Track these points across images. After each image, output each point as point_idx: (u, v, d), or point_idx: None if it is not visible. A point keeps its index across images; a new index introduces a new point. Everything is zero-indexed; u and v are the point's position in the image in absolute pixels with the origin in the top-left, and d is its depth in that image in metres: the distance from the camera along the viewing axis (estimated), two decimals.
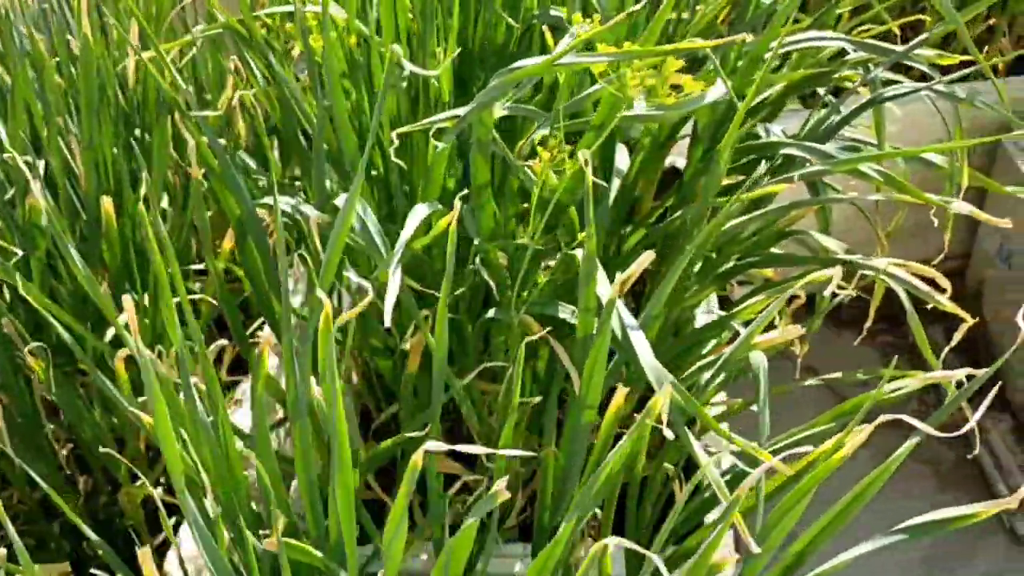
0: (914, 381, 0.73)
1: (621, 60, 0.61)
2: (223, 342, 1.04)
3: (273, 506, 0.69)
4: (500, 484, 0.50)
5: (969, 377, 0.73)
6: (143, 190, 1.15)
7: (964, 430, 0.59)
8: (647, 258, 0.72)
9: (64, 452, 1.15)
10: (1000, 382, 0.66)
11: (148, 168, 1.03)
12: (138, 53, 0.75)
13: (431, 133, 0.75)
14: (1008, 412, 1.62)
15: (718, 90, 0.74)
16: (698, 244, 0.80)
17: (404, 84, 0.96)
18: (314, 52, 0.87)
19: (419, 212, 0.73)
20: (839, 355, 1.63)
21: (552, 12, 0.96)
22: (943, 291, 0.92)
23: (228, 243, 1.12)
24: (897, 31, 1.13)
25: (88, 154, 1.04)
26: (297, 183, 1.11)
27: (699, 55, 1.05)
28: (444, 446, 0.52)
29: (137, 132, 1.17)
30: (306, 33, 0.86)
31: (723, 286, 1.01)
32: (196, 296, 1.06)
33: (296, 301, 1.24)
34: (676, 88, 0.68)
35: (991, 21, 1.62)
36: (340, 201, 0.79)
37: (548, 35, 0.76)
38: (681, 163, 1.31)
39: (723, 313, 0.84)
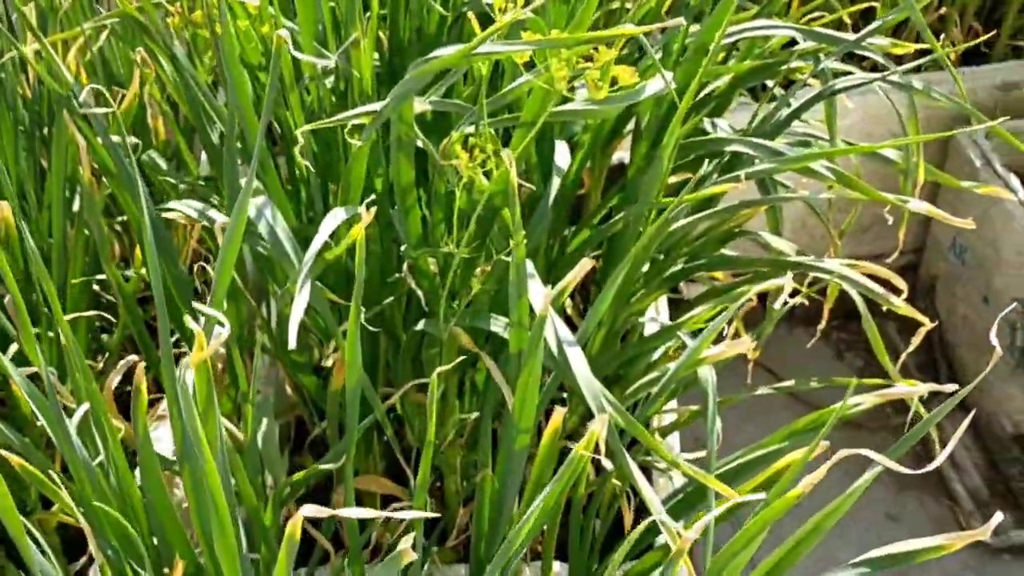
0: (872, 396, 0.67)
1: (546, 48, 0.54)
2: (133, 357, 0.96)
3: (173, 546, 0.62)
4: (405, 543, 0.43)
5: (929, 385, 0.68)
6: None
7: (938, 461, 0.53)
8: (583, 267, 0.66)
9: None
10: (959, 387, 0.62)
11: (48, 168, 0.95)
12: (16, 48, 0.67)
13: (346, 130, 0.68)
14: (963, 409, 1.60)
15: (657, 83, 0.68)
16: (641, 247, 0.74)
17: (329, 79, 0.89)
18: (220, 41, 0.79)
19: (335, 217, 0.66)
20: (792, 352, 1.59)
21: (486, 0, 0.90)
22: (899, 292, 0.88)
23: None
24: (848, 20, 1.08)
25: None
26: (210, 182, 1.03)
27: (641, 46, 0.99)
28: (323, 511, 0.45)
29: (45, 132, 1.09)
30: (212, 22, 0.78)
31: (672, 288, 0.96)
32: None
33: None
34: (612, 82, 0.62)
35: (942, 11, 1.59)
36: (252, 208, 0.71)
37: (475, 23, 0.70)
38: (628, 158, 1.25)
39: (670, 323, 0.79)
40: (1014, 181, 1.43)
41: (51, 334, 1.03)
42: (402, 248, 0.78)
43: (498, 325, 0.68)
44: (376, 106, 0.64)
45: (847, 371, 1.81)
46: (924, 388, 0.63)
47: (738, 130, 0.95)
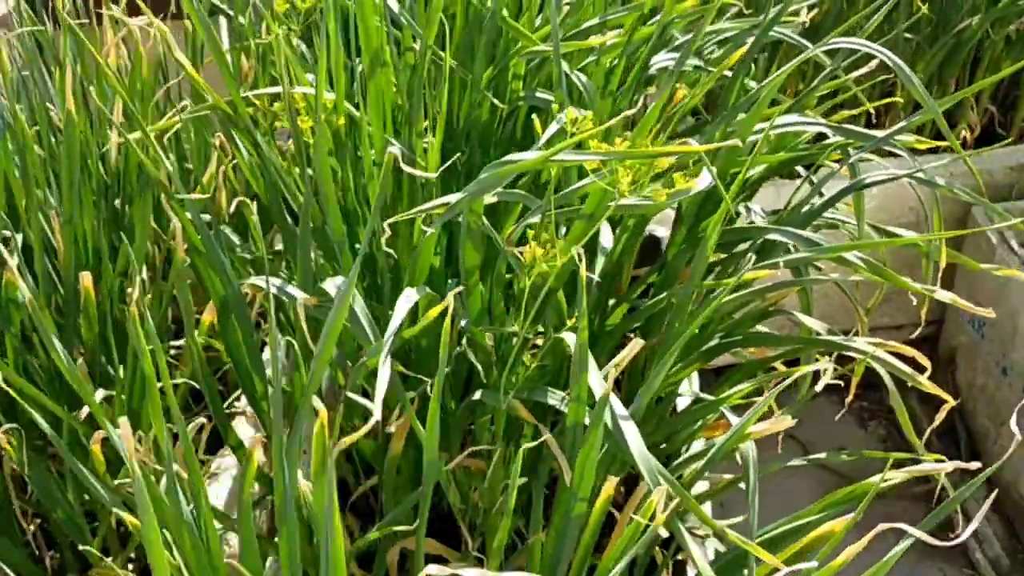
0: (901, 473, 0.73)
1: (620, 159, 0.61)
2: (201, 420, 1.02)
3: None
4: None
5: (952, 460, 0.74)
6: (121, 263, 1.14)
7: (964, 536, 0.58)
8: (635, 346, 0.72)
9: (32, 528, 1.12)
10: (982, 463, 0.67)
11: (129, 241, 1.02)
12: (123, 134, 0.75)
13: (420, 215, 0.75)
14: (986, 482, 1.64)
15: (705, 180, 0.75)
16: (691, 329, 0.80)
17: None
18: (302, 134, 0.87)
19: (408, 298, 0.73)
20: (816, 419, 1.64)
21: (538, 94, 0.97)
22: (923, 369, 0.93)
23: (208, 316, 1.10)
24: (872, 110, 1.16)
25: (68, 229, 1.02)
26: (277, 255, 1.10)
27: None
28: (444, 570, 0.51)
29: (117, 203, 1.16)
30: (294, 115, 0.86)
31: (706, 362, 1.02)
32: (177, 380, 1.04)
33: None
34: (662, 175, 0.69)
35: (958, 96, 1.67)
36: (329, 286, 0.78)
37: (537, 124, 0.77)
38: (659, 232, 1.32)
39: (709, 397, 0.84)
40: None
41: (123, 396, 1.10)
42: (463, 323, 0.84)
43: (554, 399, 0.74)
44: (451, 198, 0.70)
45: (869, 438, 1.86)
46: (950, 466, 0.69)
47: (769, 212, 1.02)
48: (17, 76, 1.20)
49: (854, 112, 1.10)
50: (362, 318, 0.75)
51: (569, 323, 0.73)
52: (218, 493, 1.15)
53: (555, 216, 0.75)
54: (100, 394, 1.05)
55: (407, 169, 0.71)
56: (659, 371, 0.68)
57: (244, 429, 1.15)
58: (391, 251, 0.82)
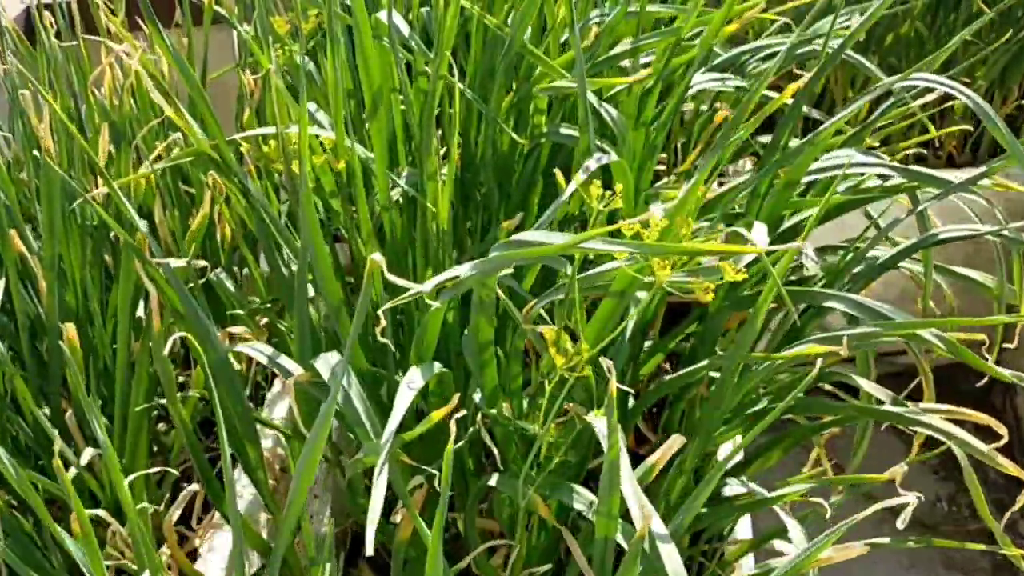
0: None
1: (655, 255, 0.51)
2: (194, 488, 0.93)
3: None
4: None
5: None
6: (112, 307, 1.06)
7: None
8: (673, 445, 0.62)
9: None
10: None
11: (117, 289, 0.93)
12: (107, 179, 0.66)
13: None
14: None
15: (761, 237, 0.64)
16: (734, 401, 0.70)
17: (396, 200, 0.87)
18: (299, 180, 0.77)
19: (411, 385, 0.63)
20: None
21: (563, 130, 0.87)
22: (999, 437, 0.83)
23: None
24: (932, 131, 1.04)
25: (51, 276, 0.94)
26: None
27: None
28: None
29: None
30: (289, 158, 0.77)
31: (750, 427, 0.91)
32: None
33: (279, 412, 1.15)
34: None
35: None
36: (321, 365, 0.69)
37: (560, 178, 0.67)
38: None
39: (760, 490, 0.74)
40: None
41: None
42: (476, 399, 0.75)
43: (581, 503, 0.64)
44: (460, 271, 0.60)
45: (922, 468, 1.73)
46: None
47: (826, 250, 0.91)
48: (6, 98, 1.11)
49: (904, 124, 0.98)
50: (357, 404, 0.65)
51: (597, 413, 0.63)
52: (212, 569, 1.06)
53: (578, 288, 0.65)
54: (88, 453, 0.97)
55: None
56: (704, 488, 0.58)
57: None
58: (387, 343, 0.72)
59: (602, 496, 0.56)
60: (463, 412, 0.62)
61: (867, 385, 0.85)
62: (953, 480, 1.71)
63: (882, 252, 0.84)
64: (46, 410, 1.07)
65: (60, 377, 1.02)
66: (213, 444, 1.27)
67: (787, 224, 0.89)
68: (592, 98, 0.80)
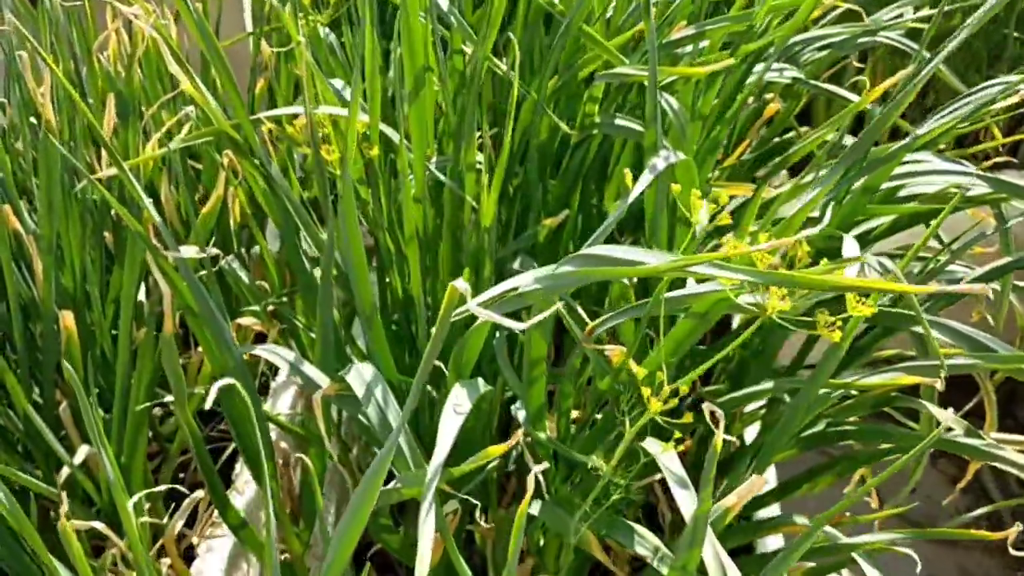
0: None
1: (779, 286, 0.44)
2: (199, 494, 0.86)
3: None
4: None
5: None
6: (113, 293, 0.98)
7: None
8: (758, 485, 0.55)
9: None
10: None
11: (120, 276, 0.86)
12: (117, 161, 0.58)
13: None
14: None
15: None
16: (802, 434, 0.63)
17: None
18: (326, 166, 0.70)
19: (458, 409, 0.56)
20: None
21: (618, 122, 0.79)
22: None
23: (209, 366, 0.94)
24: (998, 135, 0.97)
25: (48, 259, 0.86)
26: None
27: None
28: None
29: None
30: (318, 146, 0.69)
31: (805, 450, 0.85)
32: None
33: (283, 404, 1.08)
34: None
35: None
36: (354, 379, 0.61)
37: (628, 178, 0.59)
38: None
39: (838, 536, 0.67)
40: None
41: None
42: (521, 417, 0.68)
43: (645, 547, 0.57)
44: (523, 281, 0.53)
45: (940, 477, 1.68)
46: None
47: (890, 255, 0.84)
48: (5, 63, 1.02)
49: (972, 127, 0.91)
50: (393, 421, 0.58)
51: (665, 448, 0.56)
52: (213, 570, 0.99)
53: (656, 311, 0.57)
54: (84, 451, 0.89)
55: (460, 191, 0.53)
56: (794, 553, 0.51)
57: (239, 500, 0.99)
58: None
59: (680, 550, 0.49)
60: (515, 442, 0.55)
61: (940, 414, 0.78)
62: (971, 490, 1.66)
63: (959, 268, 0.77)
64: (38, 398, 0.99)
65: (54, 363, 0.94)
66: (212, 432, 1.20)
67: (854, 232, 0.81)
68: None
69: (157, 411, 1.10)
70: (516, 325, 0.42)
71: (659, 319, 0.52)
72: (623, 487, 0.58)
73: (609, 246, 0.49)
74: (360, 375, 0.61)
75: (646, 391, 0.46)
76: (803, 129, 1.10)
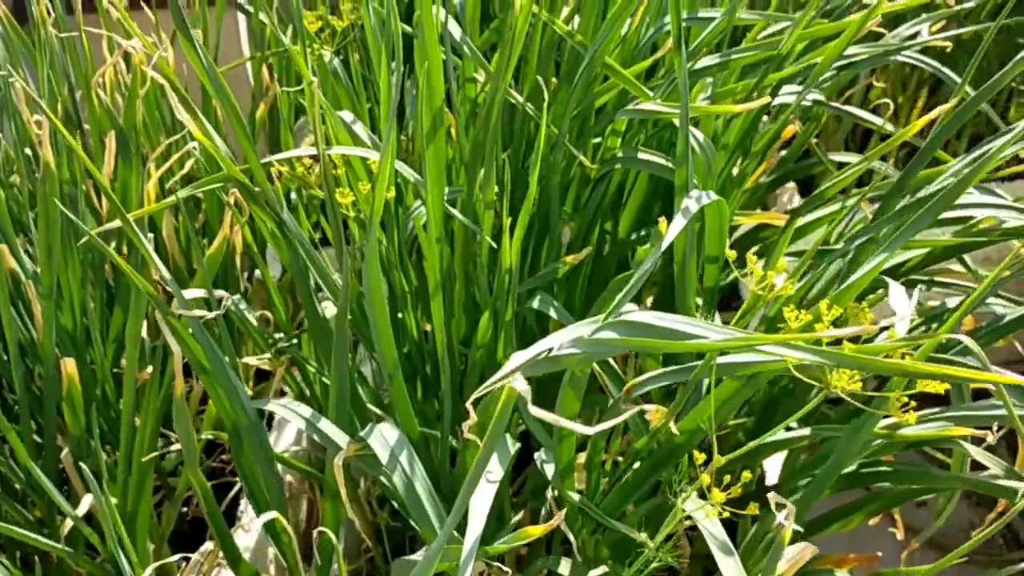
0: None
1: (849, 368, 0.41)
2: (208, 546, 0.83)
3: None
4: None
5: None
6: (114, 332, 0.95)
7: None
8: (807, 554, 0.52)
9: None
10: None
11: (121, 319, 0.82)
12: (121, 213, 0.54)
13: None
14: None
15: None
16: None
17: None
18: (339, 208, 0.67)
19: (490, 478, 0.52)
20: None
21: (641, 156, 0.76)
22: None
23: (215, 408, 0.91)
24: None
25: (47, 304, 0.82)
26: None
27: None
28: None
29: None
30: (332, 188, 0.66)
31: (834, 491, 0.82)
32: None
33: (288, 435, 1.04)
34: None
35: None
36: (375, 442, 0.58)
37: (663, 225, 0.56)
38: None
39: None
40: None
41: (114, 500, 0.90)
42: (548, 472, 0.64)
43: None
44: (558, 341, 0.50)
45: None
46: None
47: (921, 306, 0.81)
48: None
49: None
50: (422, 493, 0.55)
51: (710, 515, 0.53)
52: None
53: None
54: (87, 502, 0.86)
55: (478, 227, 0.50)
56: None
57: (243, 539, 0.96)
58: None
59: None
60: (556, 523, 0.51)
61: (982, 457, 0.76)
62: (986, 506, 1.63)
63: (999, 305, 0.74)
64: (37, 437, 0.96)
65: (55, 405, 0.91)
66: (215, 464, 1.16)
67: (887, 264, 0.79)
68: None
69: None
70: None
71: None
72: (658, 554, 0.55)
73: (655, 313, 0.46)
74: (383, 438, 0.58)
75: (705, 479, 0.43)
76: (830, 155, 1.07)
